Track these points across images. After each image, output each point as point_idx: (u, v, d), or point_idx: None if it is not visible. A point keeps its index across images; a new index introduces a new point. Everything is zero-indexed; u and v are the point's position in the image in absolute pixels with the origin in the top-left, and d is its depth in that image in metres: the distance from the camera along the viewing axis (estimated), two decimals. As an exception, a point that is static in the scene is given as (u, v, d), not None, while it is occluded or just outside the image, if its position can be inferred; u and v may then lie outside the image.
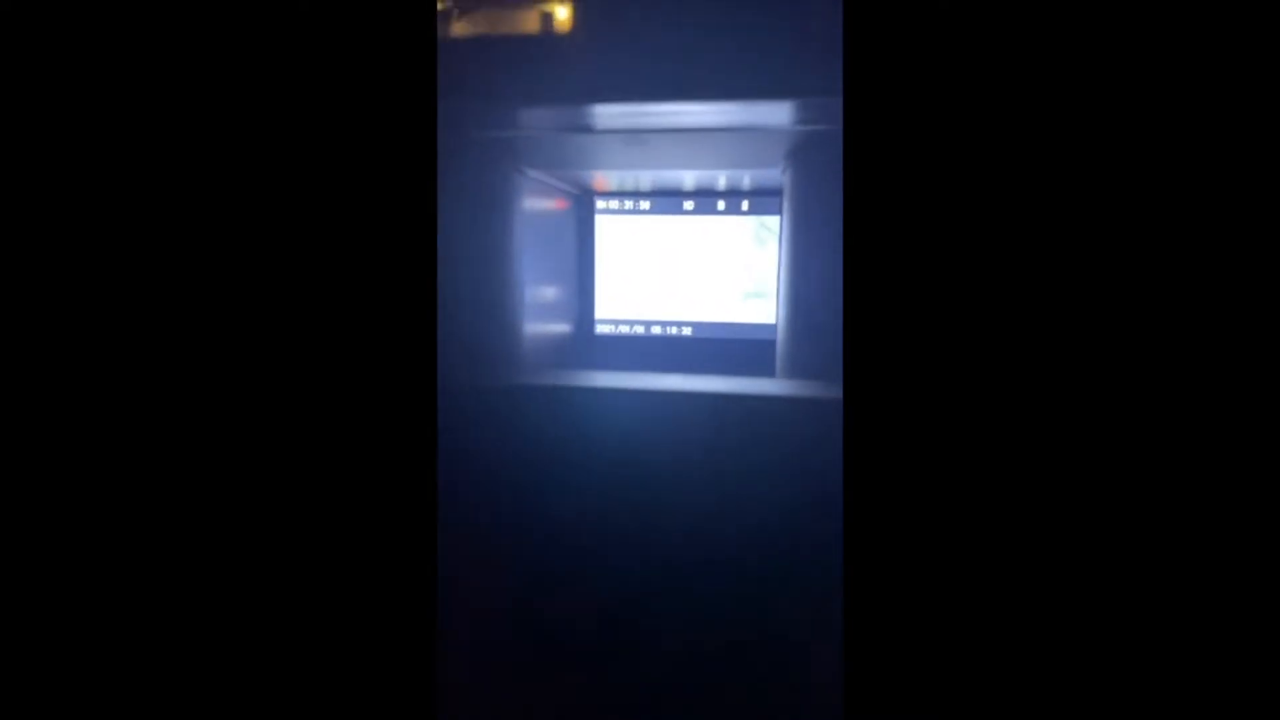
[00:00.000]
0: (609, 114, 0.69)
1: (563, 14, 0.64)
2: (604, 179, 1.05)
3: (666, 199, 1.09)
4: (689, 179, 1.03)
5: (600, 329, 1.13)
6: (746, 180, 1.03)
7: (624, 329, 1.13)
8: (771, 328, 1.07)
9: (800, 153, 0.76)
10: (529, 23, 0.65)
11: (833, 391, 0.69)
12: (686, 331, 1.11)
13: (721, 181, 1.04)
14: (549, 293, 1.03)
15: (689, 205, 1.08)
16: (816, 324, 0.76)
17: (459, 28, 0.66)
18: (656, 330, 1.12)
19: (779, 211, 1.05)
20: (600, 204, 1.10)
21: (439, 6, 0.66)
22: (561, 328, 1.10)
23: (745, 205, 1.06)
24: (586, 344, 1.13)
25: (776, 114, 0.67)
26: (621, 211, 1.10)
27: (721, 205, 1.07)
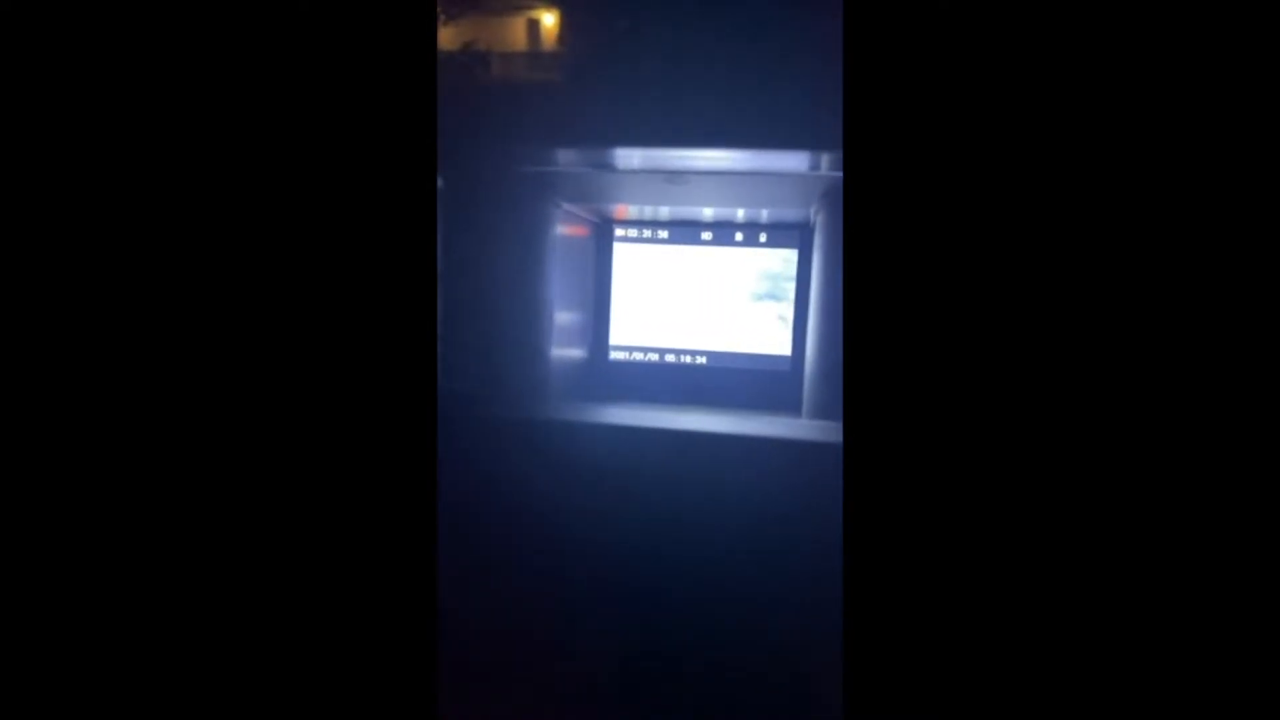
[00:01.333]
0: (648, 156, 0.70)
1: (601, 60, 0.65)
2: (624, 208, 1.06)
3: (684, 229, 1.10)
4: (708, 211, 1.04)
5: (614, 355, 1.14)
6: (765, 214, 1.04)
7: (638, 356, 1.13)
8: (786, 359, 1.08)
9: (834, 195, 0.77)
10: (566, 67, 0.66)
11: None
12: (701, 360, 1.11)
13: (740, 214, 1.05)
14: (565, 318, 1.03)
15: (707, 236, 1.09)
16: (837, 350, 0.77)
17: (497, 70, 0.67)
18: (671, 358, 1.12)
19: (797, 245, 1.06)
20: (619, 232, 1.11)
21: (474, 48, 0.67)
22: (576, 353, 1.10)
23: (763, 238, 1.08)
24: (600, 370, 1.13)
25: (812, 160, 0.68)
26: (640, 240, 1.11)
27: (739, 237, 1.08)
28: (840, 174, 0.69)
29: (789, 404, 1.06)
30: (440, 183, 0.72)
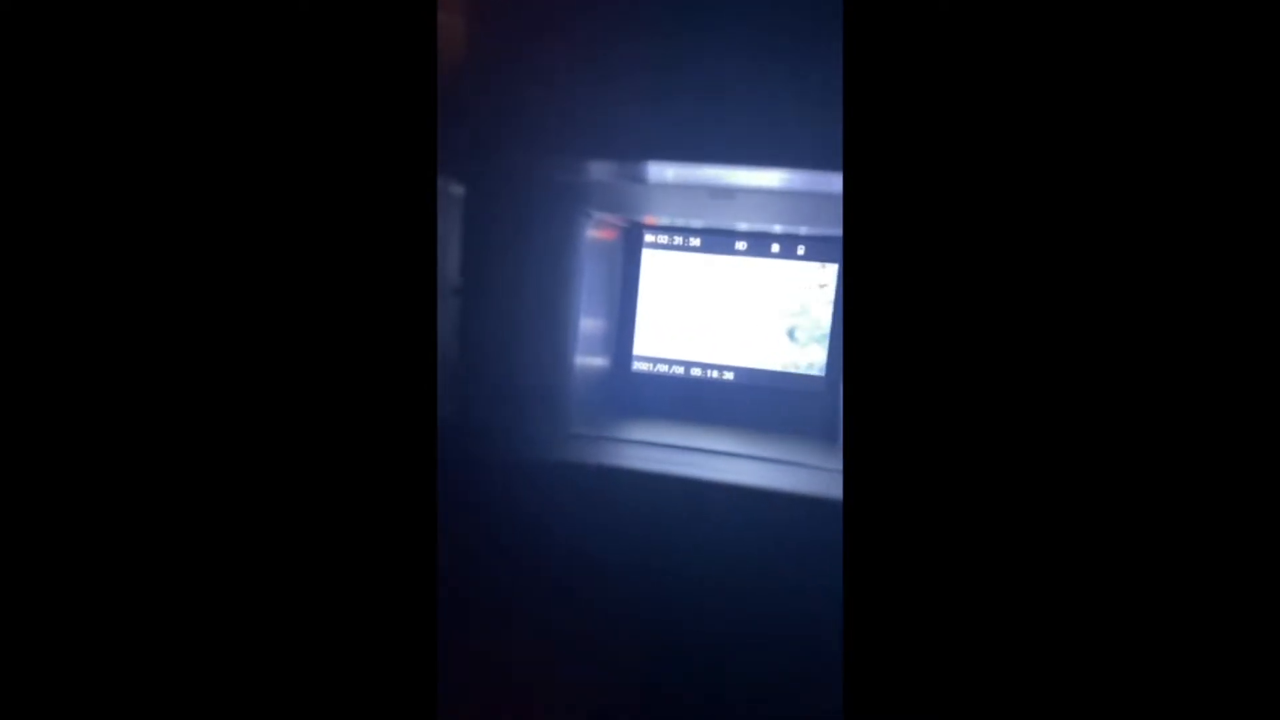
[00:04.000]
0: (689, 173, 0.64)
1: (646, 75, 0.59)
2: (654, 215, 1.00)
3: (718, 238, 1.03)
4: (742, 221, 0.98)
5: (637, 366, 1.09)
6: (804, 225, 0.97)
7: (662, 369, 1.08)
8: (820, 379, 1.02)
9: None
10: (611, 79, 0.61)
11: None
12: (728, 376, 1.06)
13: (777, 225, 0.98)
14: (588, 325, 0.98)
15: (741, 246, 1.03)
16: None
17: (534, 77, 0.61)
18: (696, 373, 1.07)
19: (837, 259, 1.00)
20: (649, 237, 1.05)
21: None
22: (598, 362, 1.05)
23: (801, 250, 1.01)
24: (622, 382, 1.08)
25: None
26: (670, 247, 1.05)
27: (776, 248, 1.02)
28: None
29: (822, 427, 1.00)
30: (463, 189, 0.67)
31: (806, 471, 0.76)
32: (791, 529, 0.63)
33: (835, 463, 0.80)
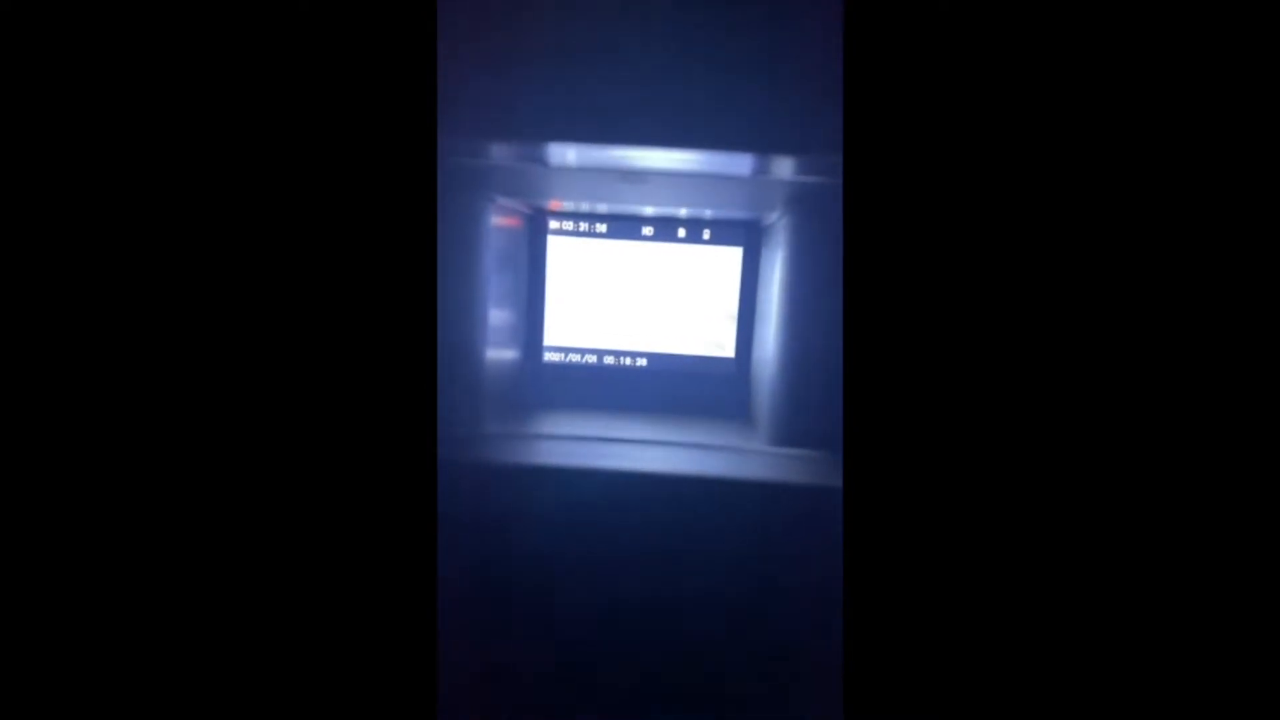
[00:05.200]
0: (600, 154, 0.63)
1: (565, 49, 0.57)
2: (559, 200, 0.97)
3: (624, 223, 1.03)
4: (649, 206, 0.98)
5: (549, 357, 1.06)
6: (709, 211, 0.98)
7: (574, 358, 1.06)
8: (729, 361, 1.04)
9: (800, 200, 0.72)
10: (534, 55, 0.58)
11: (830, 472, 0.66)
12: (641, 363, 1.06)
13: (683, 209, 0.99)
14: (495, 316, 0.94)
15: (648, 231, 1.02)
16: (814, 366, 0.74)
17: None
18: (610, 360, 1.06)
19: (742, 243, 1.02)
20: (553, 224, 1.03)
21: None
22: (507, 354, 1.02)
23: (707, 234, 1.02)
24: (534, 373, 1.06)
25: (780, 165, 0.63)
26: (576, 234, 1.03)
27: (682, 233, 1.02)
28: (810, 179, 0.65)
29: (734, 408, 1.03)
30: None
31: (724, 450, 0.77)
32: (726, 516, 0.63)
33: (751, 444, 0.83)
